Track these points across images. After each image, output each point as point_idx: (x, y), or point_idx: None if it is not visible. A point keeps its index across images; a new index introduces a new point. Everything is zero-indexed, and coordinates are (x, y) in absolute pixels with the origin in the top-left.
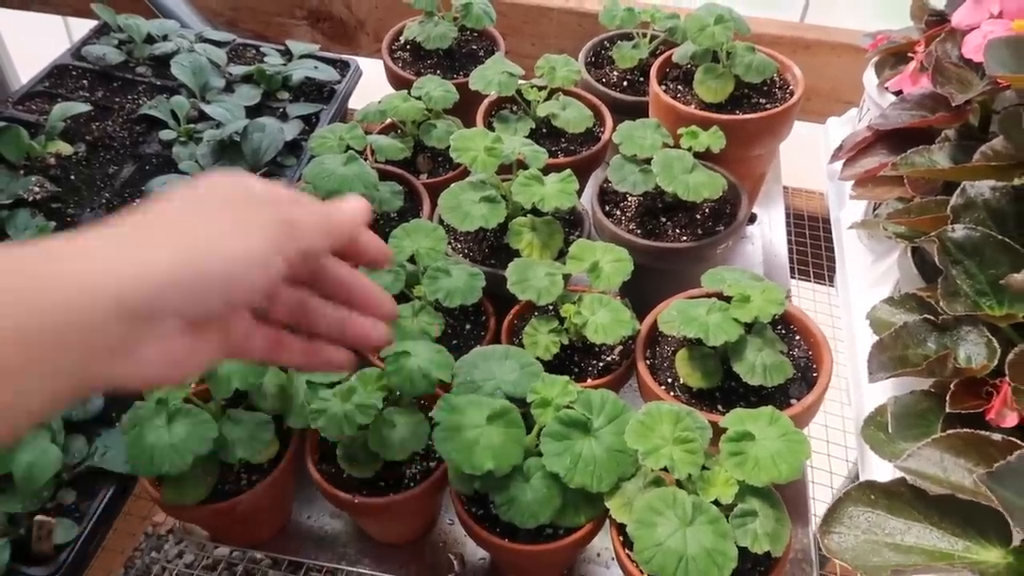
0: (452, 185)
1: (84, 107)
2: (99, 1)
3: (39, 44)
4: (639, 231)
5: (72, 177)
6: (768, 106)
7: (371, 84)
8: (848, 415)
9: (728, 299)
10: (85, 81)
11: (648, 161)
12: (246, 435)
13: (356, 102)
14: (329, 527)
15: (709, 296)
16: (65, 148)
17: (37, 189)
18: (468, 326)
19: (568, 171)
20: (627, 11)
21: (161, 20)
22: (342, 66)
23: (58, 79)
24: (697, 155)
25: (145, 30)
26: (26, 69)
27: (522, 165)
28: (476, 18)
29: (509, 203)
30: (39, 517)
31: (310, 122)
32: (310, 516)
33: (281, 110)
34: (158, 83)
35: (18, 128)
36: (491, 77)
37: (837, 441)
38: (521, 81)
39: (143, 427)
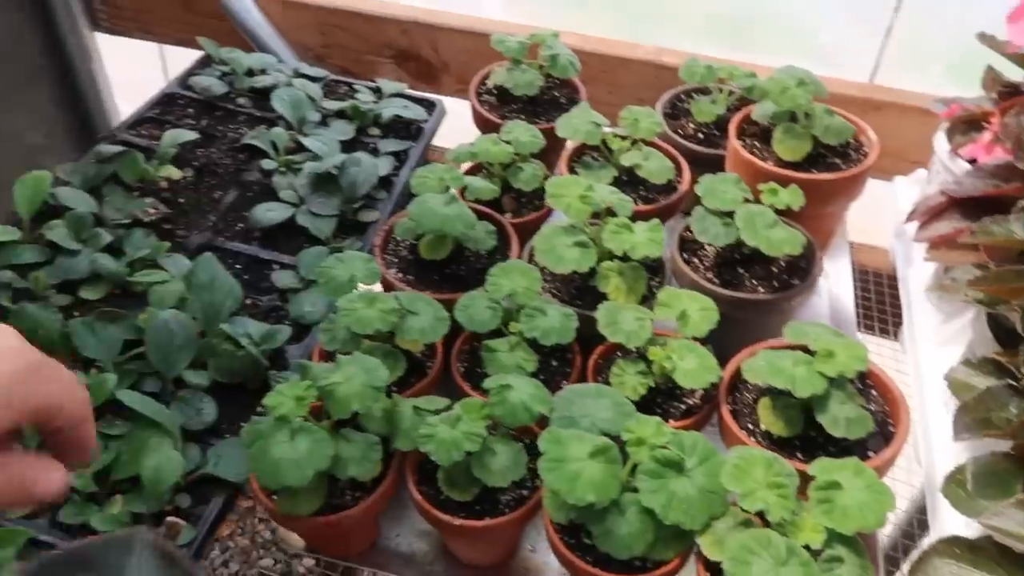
0: (544, 228)
1: (192, 135)
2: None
3: (131, 69)
4: (716, 280)
5: (181, 200)
6: (843, 167)
7: (450, 122)
8: (901, 465)
9: (811, 352)
10: (191, 109)
11: (729, 214)
12: (359, 454)
13: (438, 139)
14: (416, 546)
15: (792, 348)
16: (175, 172)
17: (152, 210)
18: (555, 362)
19: (656, 221)
20: (707, 68)
21: (259, 54)
22: (428, 105)
23: (167, 107)
24: (775, 211)
25: (246, 64)
26: (119, 92)
27: (610, 212)
28: (562, 68)
29: (598, 248)
30: (171, 518)
31: (399, 158)
32: (398, 534)
33: (372, 145)
34: (257, 114)
35: (134, 152)
36: (578, 126)
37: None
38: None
39: (267, 441)
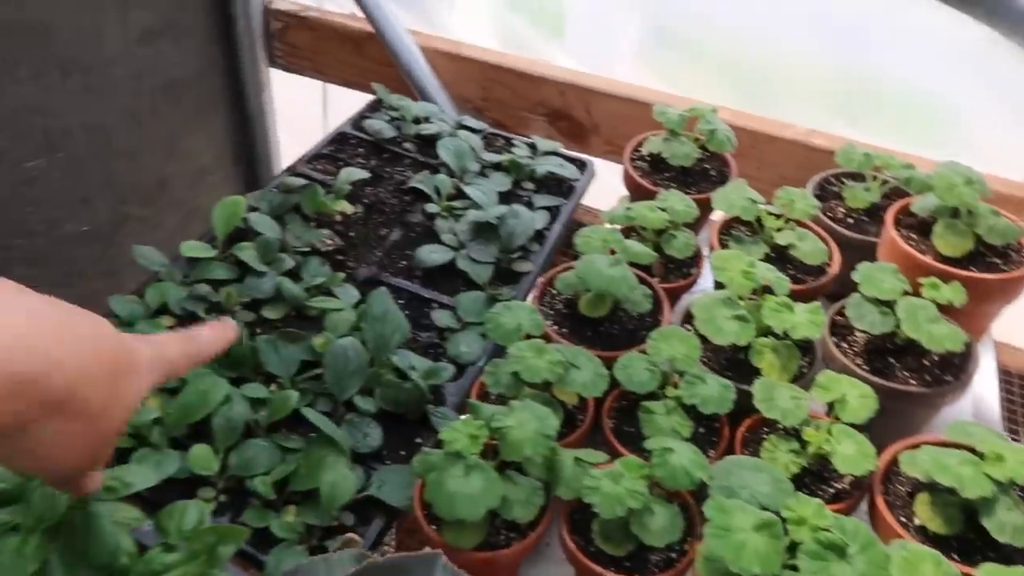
0: (703, 298)
1: (364, 174)
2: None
3: (293, 103)
4: (867, 367)
5: (351, 234)
6: (1004, 267)
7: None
8: None
9: (976, 453)
10: (361, 149)
11: (885, 303)
12: (523, 497)
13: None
14: None
15: (953, 446)
16: (347, 207)
17: (328, 241)
18: (702, 429)
19: (817, 304)
20: (864, 155)
21: (425, 103)
22: (580, 165)
23: (340, 145)
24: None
25: (414, 111)
26: (281, 124)
27: (767, 289)
28: (719, 143)
29: (756, 323)
30: (349, 535)
31: (551, 213)
32: None
33: (527, 198)
34: (421, 159)
35: (315, 186)
36: (734, 201)
37: None
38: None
39: (441, 474)
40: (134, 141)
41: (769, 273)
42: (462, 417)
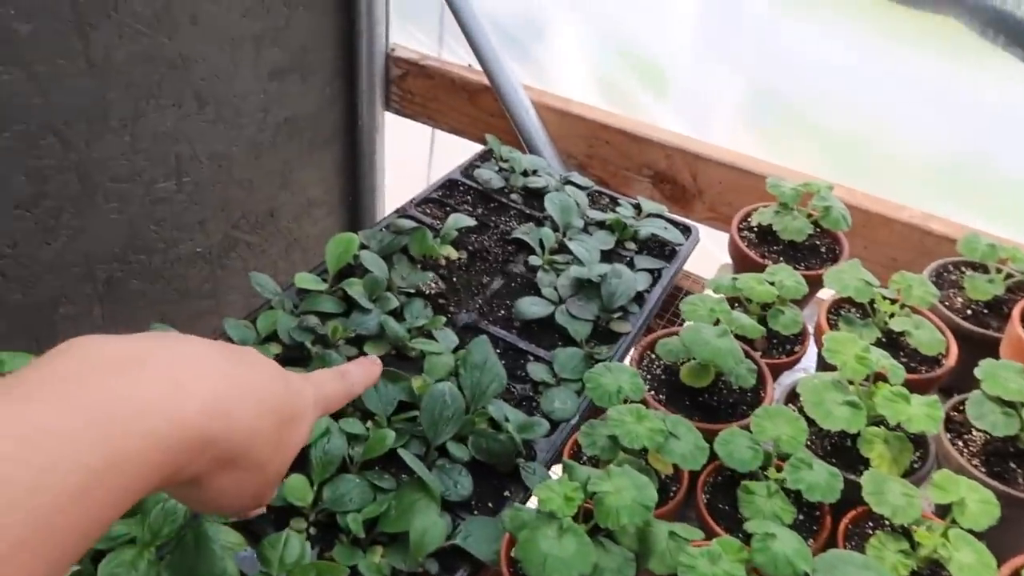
0: (812, 379)
1: (471, 221)
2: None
3: (398, 146)
4: (985, 469)
5: (454, 279)
6: None
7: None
8: None
9: None
10: (469, 197)
11: (1009, 404)
12: (615, 566)
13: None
14: None
15: None
16: (452, 253)
17: (432, 284)
18: (802, 516)
19: (935, 397)
20: (989, 246)
21: (533, 156)
22: (684, 229)
23: (449, 191)
24: None
25: (523, 164)
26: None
27: (880, 377)
28: (834, 221)
29: (868, 411)
30: None
31: (653, 275)
32: None
33: (629, 259)
34: (527, 211)
35: (425, 229)
36: (848, 281)
37: None
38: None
39: (533, 532)
40: (252, 171)
41: (884, 360)
42: (556, 476)
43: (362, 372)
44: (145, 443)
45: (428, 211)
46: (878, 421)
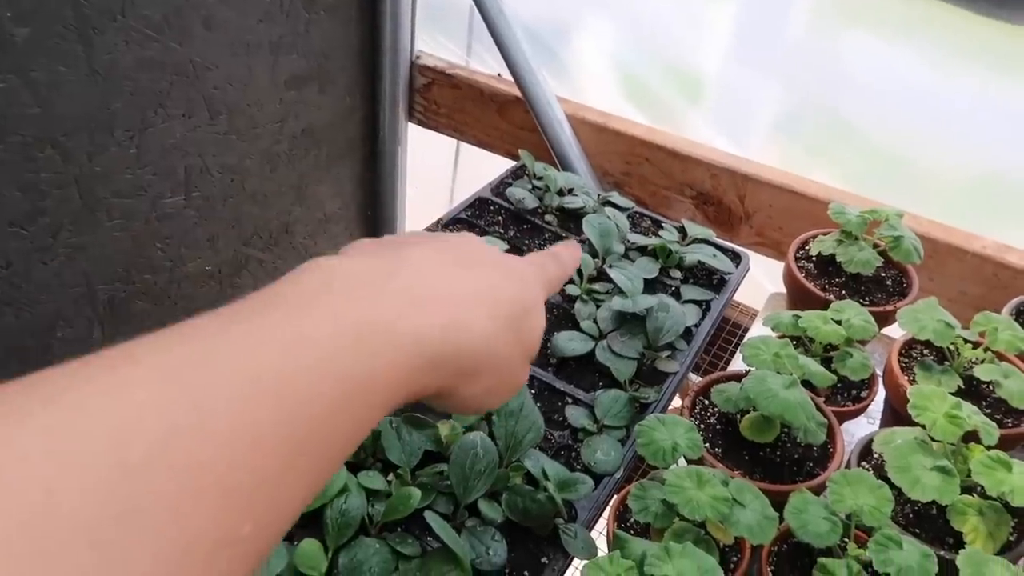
0: (893, 437)
1: (503, 244)
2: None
3: (420, 158)
4: None
5: None
6: None
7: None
8: None
9: None
10: (500, 217)
11: None
12: None
13: None
14: None
15: None
16: None
17: None
18: None
19: None
20: None
21: (568, 174)
22: (734, 256)
23: (478, 210)
24: None
25: (559, 182)
26: (408, 179)
27: (973, 436)
28: (905, 253)
29: (961, 477)
30: None
31: (701, 307)
32: None
33: (674, 288)
34: (562, 234)
35: None
36: (925, 322)
37: None
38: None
39: None
40: (266, 185)
41: (977, 418)
42: (597, 535)
43: (569, 253)
44: (396, 359)
45: (456, 232)
46: (970, 487)
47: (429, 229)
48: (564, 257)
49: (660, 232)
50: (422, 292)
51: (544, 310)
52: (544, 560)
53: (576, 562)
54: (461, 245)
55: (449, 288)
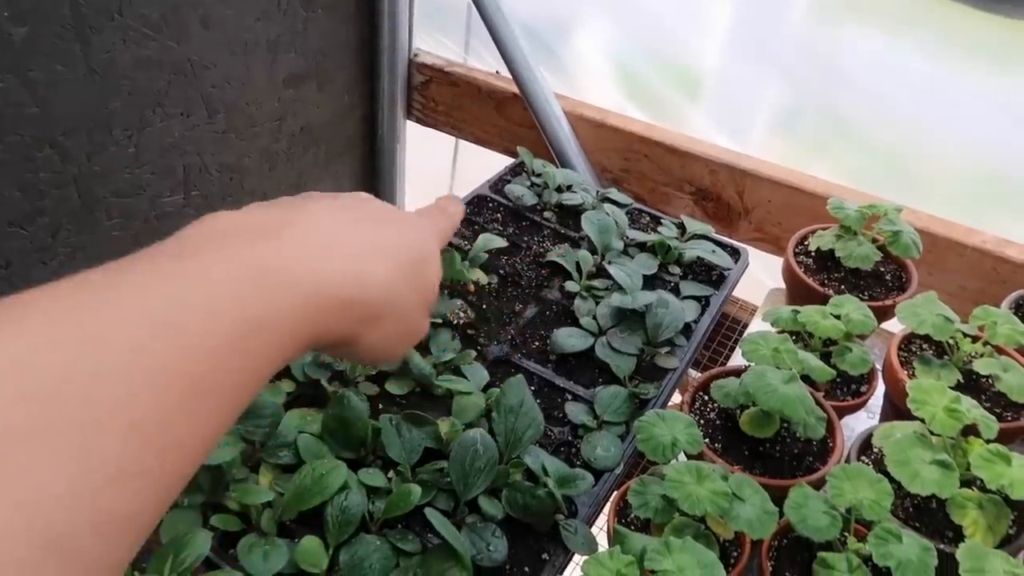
0: (892, 431)
1: (502, 242)
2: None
3: (419, 156)
4: None
5: (484, 307)
6: None
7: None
8: None
9: None
10: (499, 214)
11: None
12: None
13: None
14: None
15: None
16: (482, 277)
17: (461, 314)
18: None
19: None
20: None
21: (567, 171)
22: (732, 252)
23: (477, 207)
24: None
25: (557, 179)
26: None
27: (970, 429)
28: (904, 247)
29: (960, 471)
30: None
31: (700, 303)
32: None
33: (673, 284)
34: (561, 231)
35: (455, 253)
36: (924, 317)
37: None
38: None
39: None
40: (264, 183)
41: (975, 411)
42: (597, 531)
43: (454, 207)
44: (294, 300)
45: (456, 230)
46: (969, 481)
47: None
48: (451, 210)
49: (659, 228)
50: (321, 240)
51: (439, 260)
52: (544, 556)
53: (576, 558)
54: (360, 203)
55: (348, 238)
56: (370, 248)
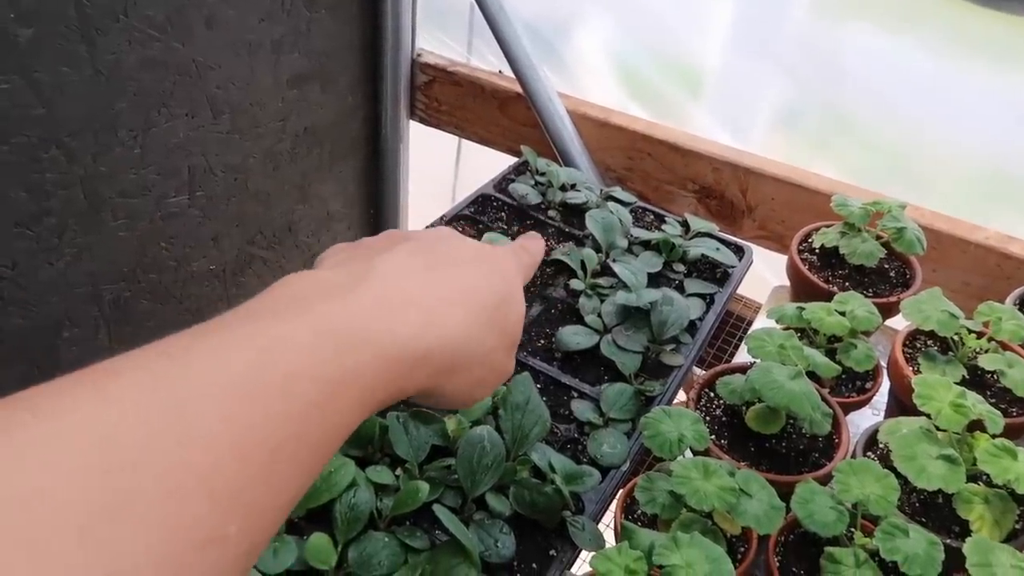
0: (898, 427)
1: (506, 240)
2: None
3: (422, 156)
4: None
5: None
6: None
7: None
8: None
9: None
10: (503, 213)
11: None
12: None
13: None
14: None
15: None
16: None
17: None
18: None
19: None
20: None
21: (570, 169)
22: (736, 250)
23: (481, 207)
24: None
25: (561, 178)
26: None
27: (976, 424)
28: (908, 244)
29: (966, 465)
30: None
31: (705, 301)
32: None
33: (678, 282)
34: (565, 230)
35: None
36: (929, 313)
37: None
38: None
39: None
40: (269, 184)
41: (980, 406)
42: (604, 527)
43: (535, 244)
44: (372, 360)
45: (460, 228)
46: (975, 476)
47: (432, 226)
48: (532, 248)
49: (663, 226)
50: (396, 294)
51: (523, 297)
52: (552, 552)
53: (584, 554)
54: (435, 245)
55: (424, 290)
56: (447, 297)
